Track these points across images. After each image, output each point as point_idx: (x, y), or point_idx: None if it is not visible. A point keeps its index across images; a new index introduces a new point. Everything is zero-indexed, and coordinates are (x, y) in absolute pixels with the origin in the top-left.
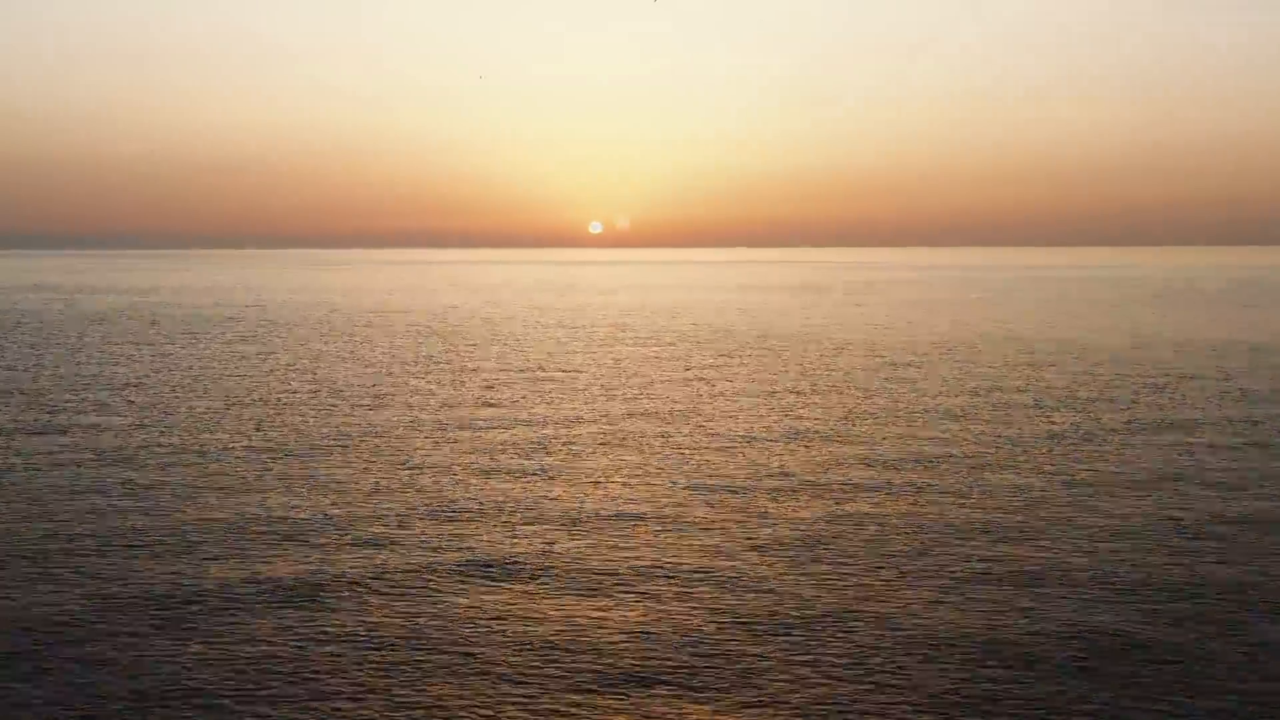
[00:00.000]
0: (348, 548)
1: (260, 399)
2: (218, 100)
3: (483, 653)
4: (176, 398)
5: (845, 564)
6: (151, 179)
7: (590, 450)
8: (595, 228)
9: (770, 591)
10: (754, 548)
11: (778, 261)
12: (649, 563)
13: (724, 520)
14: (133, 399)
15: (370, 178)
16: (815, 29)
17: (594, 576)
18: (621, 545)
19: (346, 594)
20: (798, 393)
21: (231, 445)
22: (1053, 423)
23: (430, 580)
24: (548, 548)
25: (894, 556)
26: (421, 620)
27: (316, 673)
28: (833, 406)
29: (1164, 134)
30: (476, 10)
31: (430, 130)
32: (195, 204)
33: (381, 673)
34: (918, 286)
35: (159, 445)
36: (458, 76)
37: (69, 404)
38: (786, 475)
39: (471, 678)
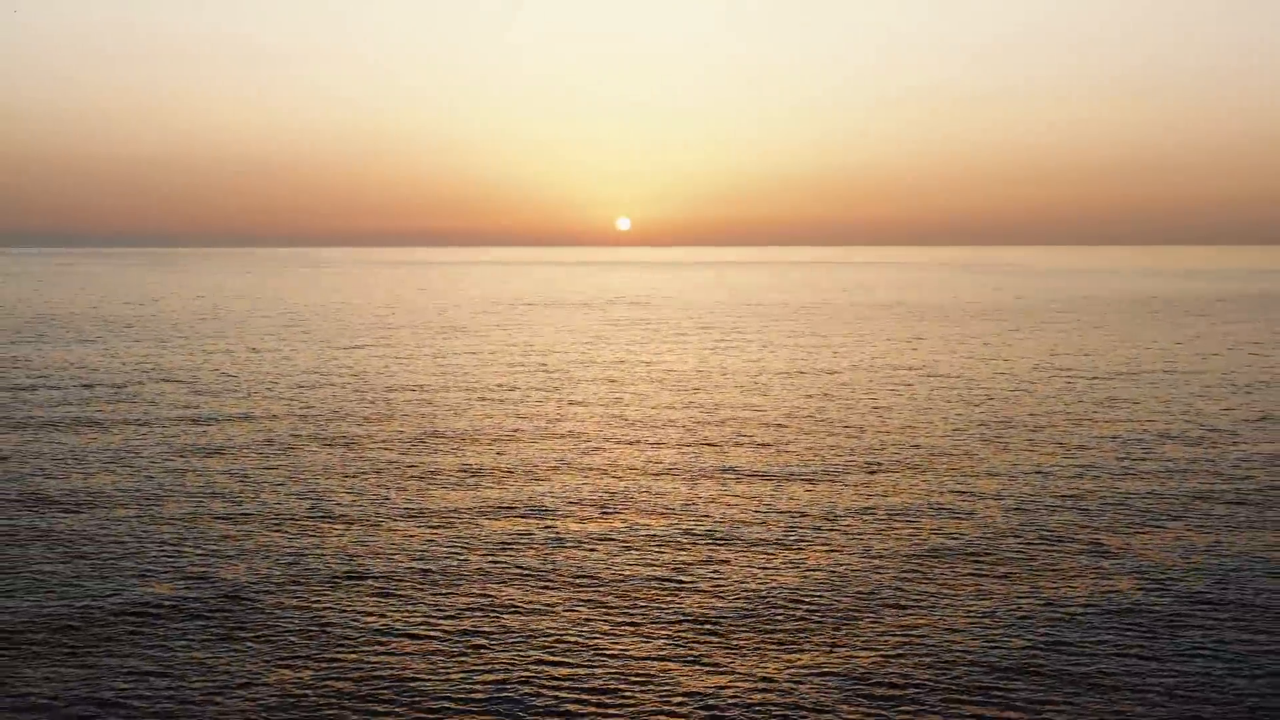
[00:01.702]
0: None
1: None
2: (218, 103)
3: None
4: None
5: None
6: (154, 180)
7: None
8: (623, 224)
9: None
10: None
11: (822, 262)
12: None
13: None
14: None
15: (397, 177)
16: (866, 31)
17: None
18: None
19: (379, 583)
20: None
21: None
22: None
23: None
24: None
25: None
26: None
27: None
28: None
29: (1187, 133)
30: (481, 12)
31: (441, 132)
32: (197, 204)
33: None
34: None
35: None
36: (470, 79)
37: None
38: None
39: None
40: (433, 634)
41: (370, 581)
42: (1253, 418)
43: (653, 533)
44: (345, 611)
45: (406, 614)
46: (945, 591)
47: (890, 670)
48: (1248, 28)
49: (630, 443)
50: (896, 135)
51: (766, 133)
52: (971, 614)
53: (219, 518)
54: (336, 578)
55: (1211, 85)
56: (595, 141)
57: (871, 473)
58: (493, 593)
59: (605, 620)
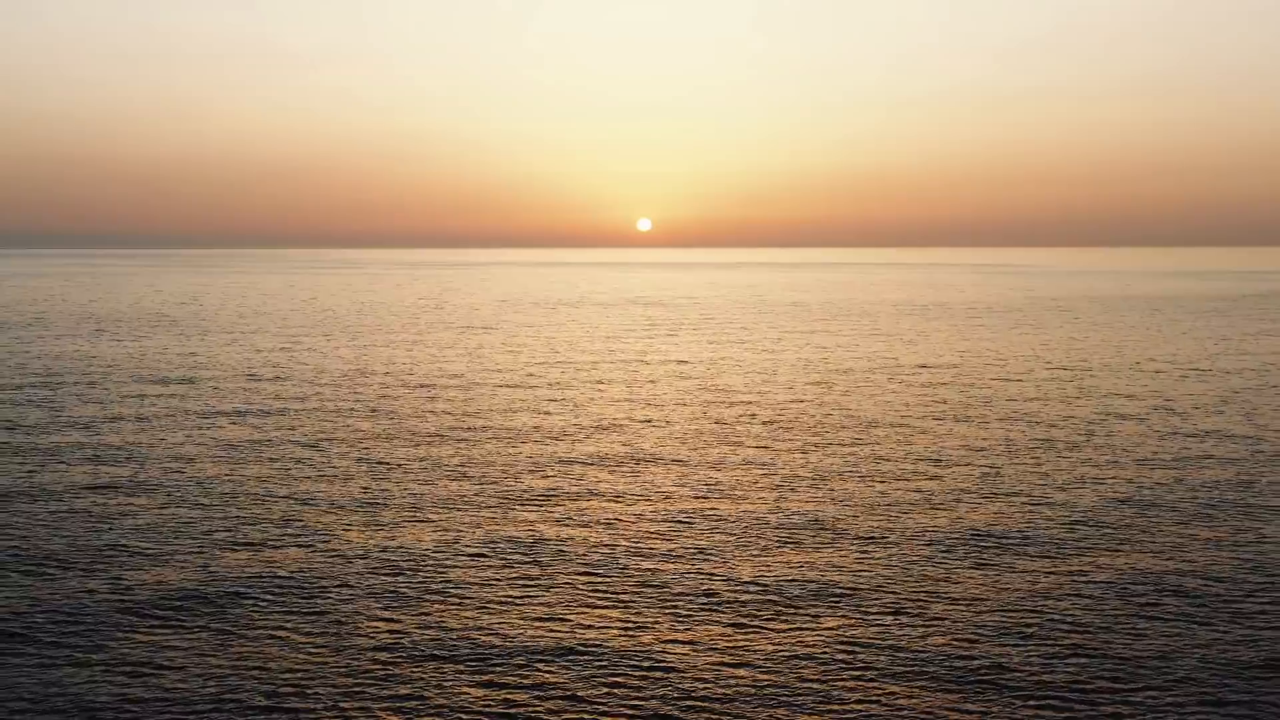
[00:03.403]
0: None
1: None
2: (231, 104)
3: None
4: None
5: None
6: (165, 181)
7: None
8: (643, 225)
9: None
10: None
11: (846, 264)
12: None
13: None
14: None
15: (413, 179)
16: (894, 31)
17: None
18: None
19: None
20: None
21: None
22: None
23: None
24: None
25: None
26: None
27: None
28: None
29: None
30: (499, 12)
31: (458, 133)
32: (207, 206)
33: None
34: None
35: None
36: (487, 80)
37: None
38: None
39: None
40: (477, 603)
41: (422, 561)
42: None
43: (671, 517)
44: (396, 593)
45: (450, 592)
46: (953, 579)
47: (893, 652)
48: (1276, 26)
49: (652, 428)
50: (920, 136)
51: (790, 133)
52: (975, 603)
53: (282, 501)
54: (383, 560)
55: (1236, 84)
56: (616, 143)
57: (886, 464)
58: (525, 571)
59: (627, 601)
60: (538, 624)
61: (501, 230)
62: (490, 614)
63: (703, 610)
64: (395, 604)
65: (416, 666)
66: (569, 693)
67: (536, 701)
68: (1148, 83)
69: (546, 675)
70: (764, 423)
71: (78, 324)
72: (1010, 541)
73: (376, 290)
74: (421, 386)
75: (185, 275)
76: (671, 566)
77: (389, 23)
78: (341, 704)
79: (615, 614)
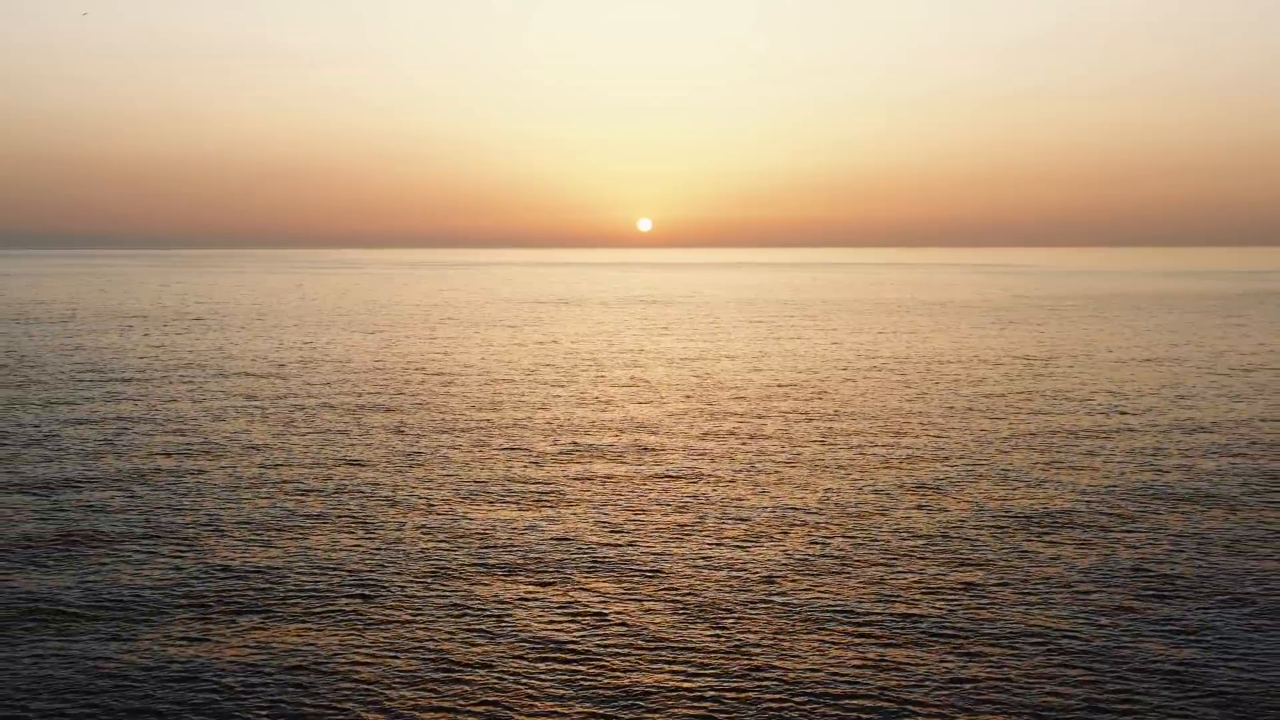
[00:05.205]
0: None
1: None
2: (232, 105)
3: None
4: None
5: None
6: (164, 181)
7: None
8: (644, 225)
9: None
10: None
11: (847, 264)
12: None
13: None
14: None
15: (413, 179)
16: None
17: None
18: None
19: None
20: None
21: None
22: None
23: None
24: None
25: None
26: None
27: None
28: None
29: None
30: (497, 12)
31: (459, 134)
32: (209, 206)
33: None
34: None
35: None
36: (487, 80)
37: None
38: None
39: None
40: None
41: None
42: None
43: (668, 501)
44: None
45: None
46: (933, 558)
47: (882, 625)
48: (1276, 26)
49: (651, 420)
50: (920, 136)
51: (790, 133)
52: (950, 577)
53: (316, 490)
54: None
55: (1237, 84)
56: (616, 143)
57: (874, 453)
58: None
59: (618, 591)
60: (540, 605)
61: (501, 230)
62: (498, 595)
63: (700, 589)
64: (413, 586)
65: (435, 644)
66: (570, 670)
67: (535, 682)
68: (1148, 83)
69: (549, 655)
70: (758, 414)
71: (105, 320)
72: (988, 523)
73: (381, 289)
74: (437, 378)
75: (189, 275)
76: (670, 548)
77: (389, 23)
78: (368, 682)
79: (615, 596)
